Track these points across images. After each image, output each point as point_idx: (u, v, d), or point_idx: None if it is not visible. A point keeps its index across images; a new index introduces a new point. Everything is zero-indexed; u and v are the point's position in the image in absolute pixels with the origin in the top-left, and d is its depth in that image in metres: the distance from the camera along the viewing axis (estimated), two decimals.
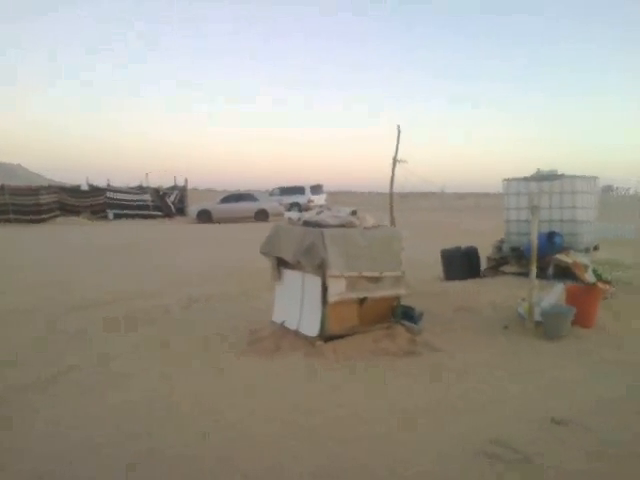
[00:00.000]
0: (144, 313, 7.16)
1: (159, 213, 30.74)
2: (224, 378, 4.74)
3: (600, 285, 7.45)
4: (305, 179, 34.50)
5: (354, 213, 5.70)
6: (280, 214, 27.80)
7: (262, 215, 27.72)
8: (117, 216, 29.09)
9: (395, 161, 7.16)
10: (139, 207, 30.32)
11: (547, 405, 4.06)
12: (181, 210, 31.78)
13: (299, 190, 32.63)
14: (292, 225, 5.95)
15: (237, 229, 22.73)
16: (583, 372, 4.82)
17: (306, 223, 5.76)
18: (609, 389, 4.40)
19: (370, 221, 5.68)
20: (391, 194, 7.54)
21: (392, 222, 6.70)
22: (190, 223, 27.16)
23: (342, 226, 5.51)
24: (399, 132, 7.21)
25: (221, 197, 29.54)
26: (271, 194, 32.91)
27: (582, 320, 5.98)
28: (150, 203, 30.74)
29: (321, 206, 27.55)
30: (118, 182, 31.40)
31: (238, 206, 28.14)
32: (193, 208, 29.10)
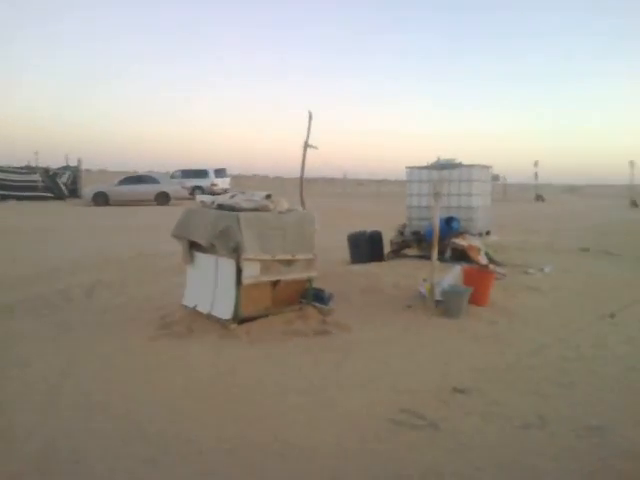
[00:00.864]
0: (44, 300, 6.83)
1: (50, 195, 28.93)
2: (135, 363, 4.68)
3: (492, 266, 8.10)
4: (208, 162, 33.90)
5: (269, 197, 5.78)
6: (182, 197, 27.15)
7: (163, 198, 26.92)
8: (2, 197, 26.99)
9: (306, 146, 7.29)
10: (27, 188, 28.34)
11: (448, 376, 4.42)
12: (74, 192, 30.09)
13: (202, 173, 32.00)
14: (205, 208, 5.93)
15: (136, 212, 21.95)
16: (478, 345, 5.28)
17: (220, 206, 5.76)
18: (499, 359, 4.86)
19: (284, 205, 5.80)
20: (301, 179, 7.67)
21: (303, 206, 6.84)
22: (85, 206, 25.82)
23: (257, 210, 5.58)
24: (310, 118, 7.34)
25: (119, 179, 28.28)
26: (172, 177, 31.96)
27: (477, 299, 6.48)
28: (40, 184, 28.86)
29: (226, 190, 27.22)
30: (3, 161, 29.19)
31: (137, 188, 27.11)
32: (88, 190, 27.63)
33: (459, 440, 3.35)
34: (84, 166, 32.76)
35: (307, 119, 7.51)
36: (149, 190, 27.07)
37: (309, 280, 6.03)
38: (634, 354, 5.08)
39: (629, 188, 36.20)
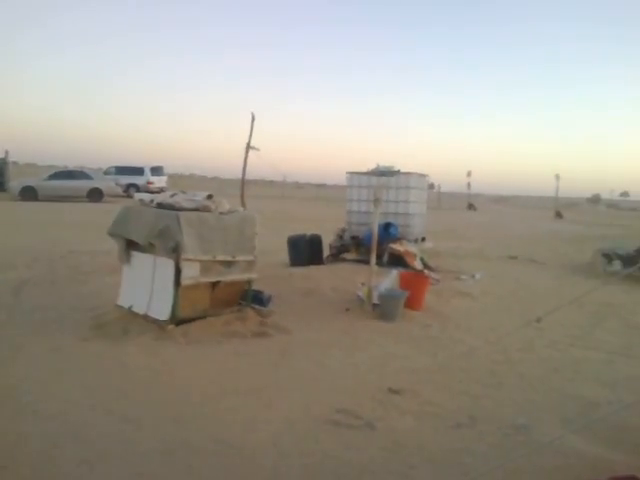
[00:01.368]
0: None
1: None
2: (67, 364, 4.52)
3: (427, 272, 8.34)
4: (144, 159, 32.99)
5: (210, 197, 5.73)
6: (116, 195, 26.32)
7: (96, 195, 25.95)
8: None
9: (248, 147, 7.27)
10: None
11: (384, 377, 4.54)
12: (0, 185, 28.54)
13: (138, 171, 31.07)
14: (144, 207, 5.80)
15: (68, 209, 21.10)
16: (413, 348, 5.43)
17: (160, 205, 5.66)
18: (433, 361, 5.03)
19: (226, 206, 5.76)
20: (243, 180, 7.64)
21: (244, 208, 6.82)
22: (11, 200, 24.54)
23: (197, 210, 5.52)
24: (253, 119, 7.34)
25: (49, 173, 27.05)
26: (106, 173, 30.89)
27: (413, 303, 6.67)
28: None
29: (162, 189, 26.62)
30: None
31: (69, 184, 26.00)
32: (15, 184, 26.22)
33: (394, 439, 3.45)
34: (11, 158, 31.11)
35: (250, 121, 7.50)
36: (81, 186, 26.03)
37: (249, 282, 6.02)
38: (557, 357, 5.39)
39: (554, 200, 38.13)
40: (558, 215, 31.94)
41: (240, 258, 5.73)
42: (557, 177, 37.75)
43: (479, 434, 3.59)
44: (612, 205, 51.51)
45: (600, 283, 8.05)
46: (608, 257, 10.89)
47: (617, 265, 10.51)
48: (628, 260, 10.19)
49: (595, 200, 60.05)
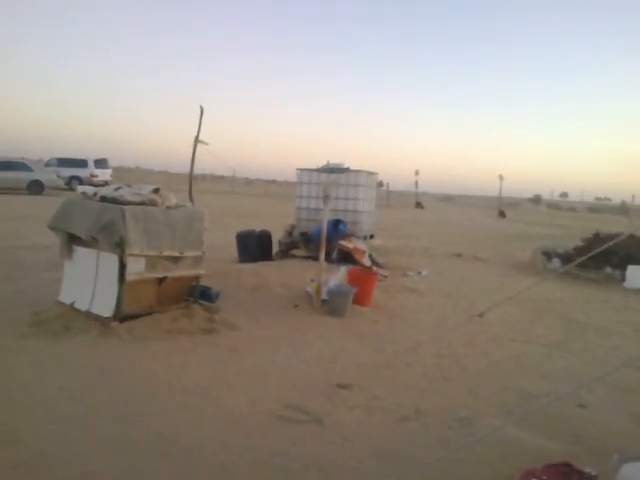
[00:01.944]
0: None
1: None
2: (4, 362, 4.33)
3: (375, 268, 8.45)
4: (88, 151, 31.92)
5: (156, 191, 5.60)
6: (58, 187, 25.37)
7: (36, 187, 24.91)
8: None
9: (196, 141, 7.14)
10: None
11: (332, 372, 4.57)
12: None
13: (81, 163, 30.00)
14: (87, 200, 5.62)
15: (6, 202, 20.19)
16: (361, 343, 5.50)
17: (103, 199, 5.49)
18: (380, 356, 5.10)
19: (173, 200, 5.65)
20: (191, 174, 7.50)
21: (192, 202, 6.70)
22: None
23: (143, 204, 5.39)
24: (202, 112, 7.20)
25: None
26: (47, 165, 29.70)
27: (361, 299, 6.74)
28: None
29: (107, 182, 25.85)
30: None
31: (7, 175, 24.81)
32: None
33: (342, 433, 3.48)
34: None
35: (199, 114, 7.37)
36: (20, 178, 24.92)
37: (196, 278, 5.93)
38: (499, 351, 5.57)
39: (498, 199, 39.33)
40: (501, 214, 32.93)
41: (188, 254, 5.64)
42: (501, 177, 38.94)
43: (424, 427, 3.67)
44: (552, 205, 53.61)
45: (539, 280, 8.35)
46: (548, 255, 11.33)
47: (556, 263, 10.95)
48: (566, 258, 10.63)
49: (536, 200, 62.28)
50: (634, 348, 5.90)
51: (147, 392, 3.92)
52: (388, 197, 37.32)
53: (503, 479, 3.02)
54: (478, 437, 3.45)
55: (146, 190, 5.63)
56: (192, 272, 5.80)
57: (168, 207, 5.57)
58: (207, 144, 7.55)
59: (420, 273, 9.57)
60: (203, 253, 5.84)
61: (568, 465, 2.85)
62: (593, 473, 2.76)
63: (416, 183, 40.30)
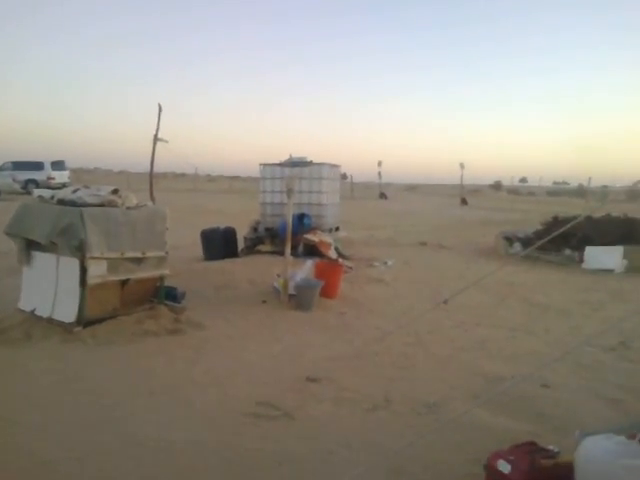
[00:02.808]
0: None
1: None
2: None
3: (341, 260, 8.49)
4: (44, 153, 31.01)
5: (115, 192, 5.50)
6: (14, 192, 24.65)
7: None
8: None
9: (156, 139, 7.04)
10: None
11: (301, 366, 4.58)
12: None
13: (37, 165, 29.16)
14: (44, 204, 5.48)
15: None
16: (329, 336, 5.53)
17: (61, 202, 5.36)
18: (348, 347, 5.14)
19: (133, 200, 5.56)
20: (151, 173, 7.40)
21: (153, 202, 6.61)
22: None
23: (102, 205, 5.28)
24: (160, 110, 7.10)
25: None
26: (1, 169, 28.80)
27: (328, 292, 6.77)
28: None
29: (65, 184, 25.22)
30: None
31: None
32: None
33: (312, 426, 3.51)
34: None
35: (157, 112, 7.27)
36: None
37: (161, 278, 5.86)
38: (464, 336, 5.67)
39: (460, 187, 39.90)
40: (463, 202, 33.43)
41: (150, 254, 5.56)
42: (462, 165, 39.44)
43: (394, 415, 3.72)
44: (512, 191, 54.60)
45: (502, 264, 8.53)
46: (509, 240, 11.57)
47: (517, 247, 11.20)
48: (527, 242, 10.87)
49: (497, 186, 63.34)
50: (593, 327, 6.08)
51: (114, 396, 3.87)
52: (352, 189, 37.47)
53: (471, 462, 3.08)
54: (445, 422, 3.51)
55: (105, 191, 5.52)
56: (156, 273, 5.72)
57: (128, 208, 5.47)
58: (167, 142, 7.47)
59: (386, 263, 9.65)
60: (166, 253, 5.77)
61: (533, 444, 2.93)
62: (556, 450, 2.84)
63: (379, 174, 40.55)
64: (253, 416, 3.62)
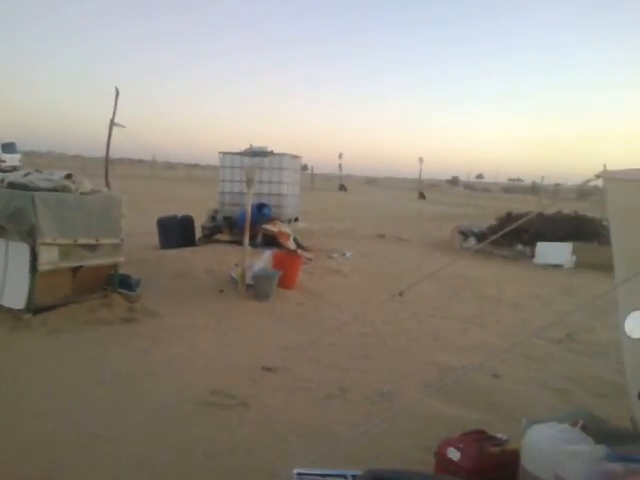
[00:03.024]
0: None
1: None
2: None
3: (300, 251, 8.51)
4: None
5: (69, 177, 5.34)
6: None
7: None
8: None
9: (112, 124, 6.86)
10: None
11: (258, 356, 4.58)
12: None
13: None
14: None
15: None
16: (286, 326, 5.55)
17: (11, 185, 5.18)
18: (305, 337, 5.15)
19: (87, 186, 5.42)
20: (107, 158, 7.22)
21: (108, 188, 6.45)
22: None
23: (55, 190, 5.13)
24: (117, 94, 6.92)
25: None
26: None
27: (286, 282, 6.77)
28: None
29: (15, 167, 24.34)
30: None
31: None
32: None
33: (267, 415, 3.52)
34: None
35: (114, 96, 7.08)
36: None
37: (115, 266, 5.74)
38: (419, 327, 5.79)
39: (418, 182, 40.49)
40: (421, 196, 33.91)
41: (105, 241, 5.45)
42: (421, 160, 40.14)
43: (348, 404, 3.77)
44: (469, 186, 55.72)
45: (456, 258, 8.71)
46: (464, 234, 11.83)
47: (472, 241, 11.46)
48: (482, 237, 11.14)
49: (454, 182, 64.48)
50: (542, 319, 6.29)
51: (65, 385, 3.78)
52: (312, 180, 37.48)
53: (423, 449, 3.16)
54: (397, 410, 3.58)
55: (58, 176, 5.36)
56: (110, 260, 5.61)
57: (82, 193, 5.34)
58: (124, 127, 7.31)
59: (344, 255, 9.71)
60: (121, 240, 5.66)
61: (482, 432, 3.02)
62: (504, 438, 2.94)
63: (340, 166, 40.74)
64: (207, 405, 3.60)
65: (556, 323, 5.78)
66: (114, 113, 6.93)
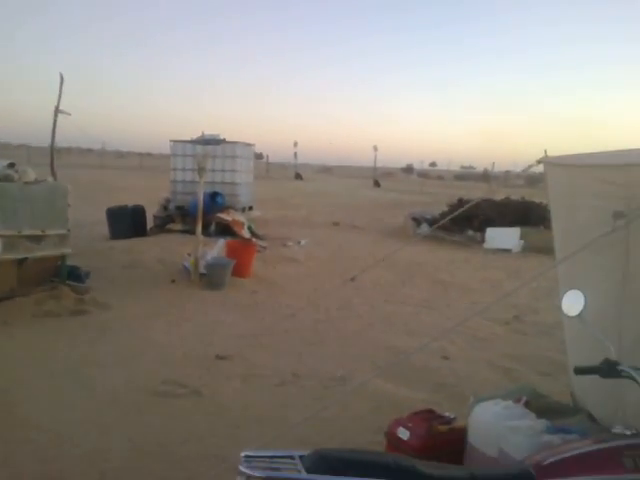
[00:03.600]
0: None
1: None
2: None
3: (254, 240, 8.48)
4: None
5: (11, 166, 5.16)
6: None
7: None
8: None
9: (57, 112, 6.62)
10: None
11: (211, 345, 4.56)
12: None
13: None
14: None
15: None
16: (240, 314, 5.54)
17: None
18: (259, 325, 5.18)
19: (31, 175, 5.24)
20: (52, 147, 6.97)
21: (54, 178, 6.24)
22: None
23: None
24: (62, 81, 6.67)
25: None
26: None
27: (240, 271, 6.75)
28: None
29: None
30: None
31: None
32: None
33: (220, 403, 3.52)
34: None
35: (59, 82, 6.82)
36: None
37: (62, 257, 5.59)
38: (372, 312, 5.87)
39: (373, 170, 40.80)
40: (376, 184, 34.21)
41: (51, 232, 5.29)
42: (375, 148, 40.37)
43: (302, 389, 3.81)
44: (423, 174, 56.54)
45: (405, 244, 8.85)
46: (417, 221, 12.02)
47: (424, 228, 11.65)
48: (433, 223, 11.34)
49: (409, 170, 65.34)
50: (490, 301, 6.48)
51: (12, 379, 3.68)
52: (268, 169, 37.28)
53: (375, 430, 3.22)
54: (346, 393, 3.63)
55: (0, 165, 5.16)
56: (57, 251, 5.46)
57: (26, 183, 5.16)
58: (69, 114, 7.04)
59: (299, 243, 9.74)
60: (69, 231, 5.51)
61: (431, 411, 3.10)
62: (452, 416, 3.03)
63: (295, 154, 40.62)
64: (159, 395, 3.57)
65: (504, 306, 5.98)
66: (59, 100, 6.68)
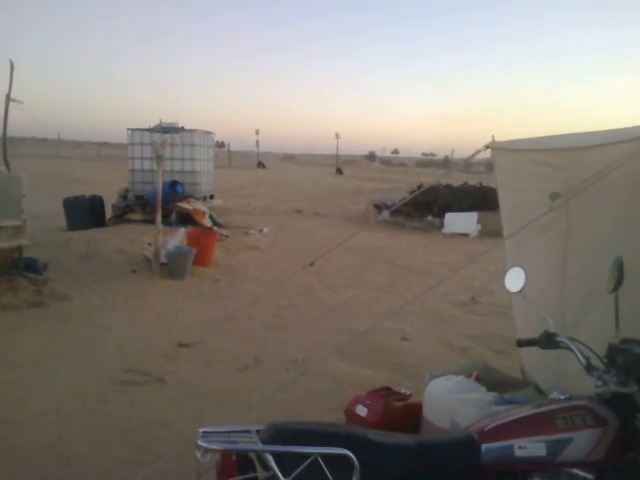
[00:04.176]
0: None
1: None
2: None
3: (216, 228, 8.48)
4: None
5: None
6: None
7: None
8: None
9: (8, 100, 6.44)
10: None
11: (173, 333, 4.59)
12: None
13: None
14: None
15: None
16: (202, 302, 5.57)
17: None
18: (221, 312, 5.21)
19: None
20: (4, 137, 6.77)
21: (8, 168, 6.09)
22: None
23: None
24: (12, 68, 6.49)
25: None
26: None
27: (202, 259, 6.75)
28: None
29: None
30: None
31: None
32: None
33: (184, 389, 3.56)
34: None
35: (8, 70, 6.63)
36: None
37: (19, 249, 5.50)
38: (334, 297, 5.98)
39: (335, 157, 40.86)
40: (339, 171, 34.33)
41: (5, 223, 5.20)
42: (337, 136, 40.34)
43: (264, 373, 3.88)
44: (385, 161, 56.95)
45: (367, 229, 9.00)
46: (378, 207, 12.16)
47: (385, 214, 11.81)
48: (394, 209, 11.52)
49: (371, 157, 65.63)
50: (448, 285, 6.66)
51: None
52: (229, 157, 36.94)
53: (335, 409, 3.32)
54: (314, 376, 3.73)
55: None
56: (12, 243, 5.37)
57: None
58: (22, 103, 6.86)
59: (261, 231, 9.77)
60: (24, 222, 5.42)
61: (388, 389, 3.22)
62: (408, 393, 3.15)
63: (257, 143, 40.28)
64: (121, 383, 3.59)
65: (461, 288, 6.19)
66: (10, 88, 6.50)
